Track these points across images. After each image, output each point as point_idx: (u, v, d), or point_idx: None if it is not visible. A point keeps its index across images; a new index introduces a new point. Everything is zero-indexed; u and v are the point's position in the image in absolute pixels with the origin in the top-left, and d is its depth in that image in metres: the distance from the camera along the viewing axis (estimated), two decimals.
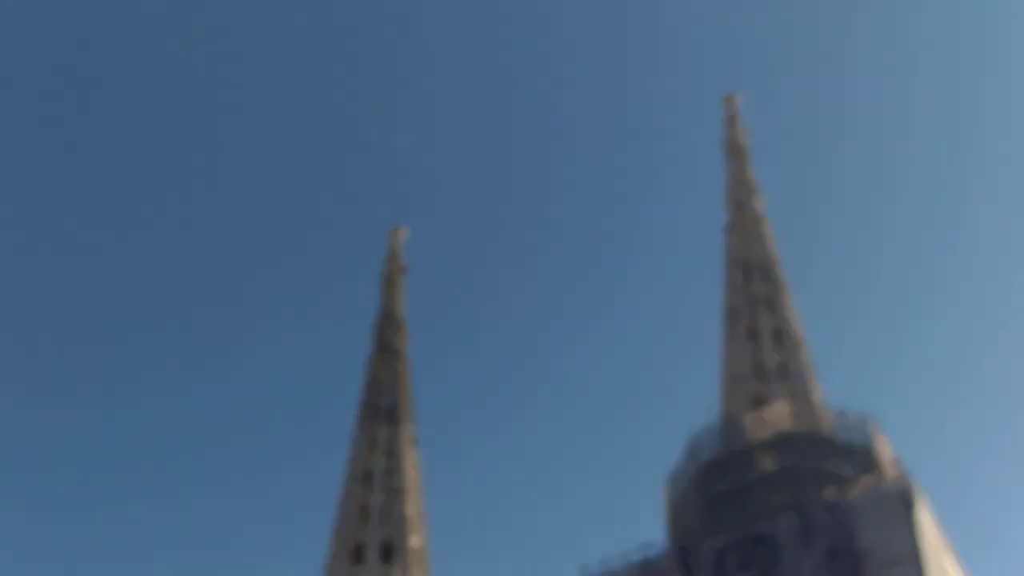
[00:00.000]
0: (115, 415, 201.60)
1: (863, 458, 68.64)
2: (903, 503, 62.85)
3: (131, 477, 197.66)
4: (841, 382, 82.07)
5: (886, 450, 68.63)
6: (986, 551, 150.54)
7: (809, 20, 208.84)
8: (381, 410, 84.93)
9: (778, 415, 71.76)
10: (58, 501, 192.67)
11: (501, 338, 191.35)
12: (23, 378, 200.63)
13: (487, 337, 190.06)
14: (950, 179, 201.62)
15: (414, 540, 79.60)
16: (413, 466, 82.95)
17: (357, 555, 78.78)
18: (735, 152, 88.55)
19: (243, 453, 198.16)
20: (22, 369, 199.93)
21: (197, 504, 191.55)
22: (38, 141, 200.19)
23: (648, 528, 71.30)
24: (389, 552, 78.61)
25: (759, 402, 75.25)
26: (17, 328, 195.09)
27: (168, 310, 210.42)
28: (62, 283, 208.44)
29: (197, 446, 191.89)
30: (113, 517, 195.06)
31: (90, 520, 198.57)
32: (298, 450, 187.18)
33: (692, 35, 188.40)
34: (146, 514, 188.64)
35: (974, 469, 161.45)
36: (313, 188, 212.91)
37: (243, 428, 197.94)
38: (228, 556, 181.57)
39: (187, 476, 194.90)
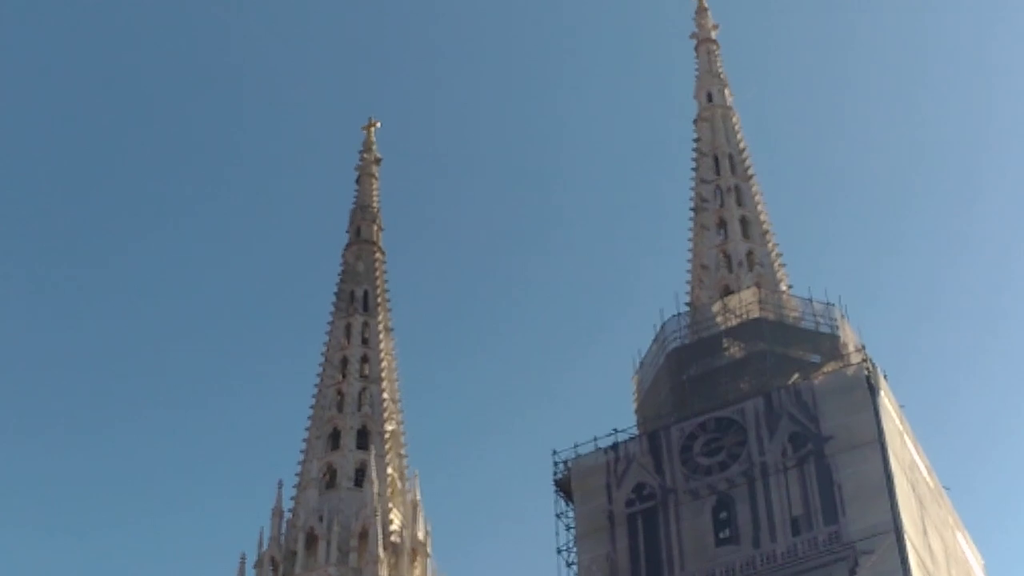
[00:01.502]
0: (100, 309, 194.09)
1: (828, 345, 69.17)
2: (866, 388, 63.78)
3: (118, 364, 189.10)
4: (808, 271, 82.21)
5: (850, 337, 68.83)
6: (944, 431, 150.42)
7: None
8: (356, 299, 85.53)
9: (745, 303, 72.20)
10: None
11: (473, 228, 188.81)
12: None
13: (461, 228, 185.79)
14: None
15: (389, 425, 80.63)
16: (388, 353, 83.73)
17: (334, 440, 79.67)
18: (704, 44, 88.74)
19: (223, 342, 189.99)
20: None
21: (178, 386, 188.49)
22: None
23: (620, 415, 72.03)
24: (365, 436, 79.42)
25: (727, 291, 75.03)
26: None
27: (149, 199, 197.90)
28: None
29: (178, 331, 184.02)
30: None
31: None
32: (275, 338, 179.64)
33: None
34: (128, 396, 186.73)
35: (937, 354, 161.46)
36: (288, 81, 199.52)
37: (223, 316, 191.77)
38: (210, 443, 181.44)
39: (170, 358, 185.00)
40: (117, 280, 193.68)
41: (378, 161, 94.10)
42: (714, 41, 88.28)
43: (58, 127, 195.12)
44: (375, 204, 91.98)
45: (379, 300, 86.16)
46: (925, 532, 63.22)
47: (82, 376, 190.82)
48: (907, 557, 58.82)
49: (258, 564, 74.69)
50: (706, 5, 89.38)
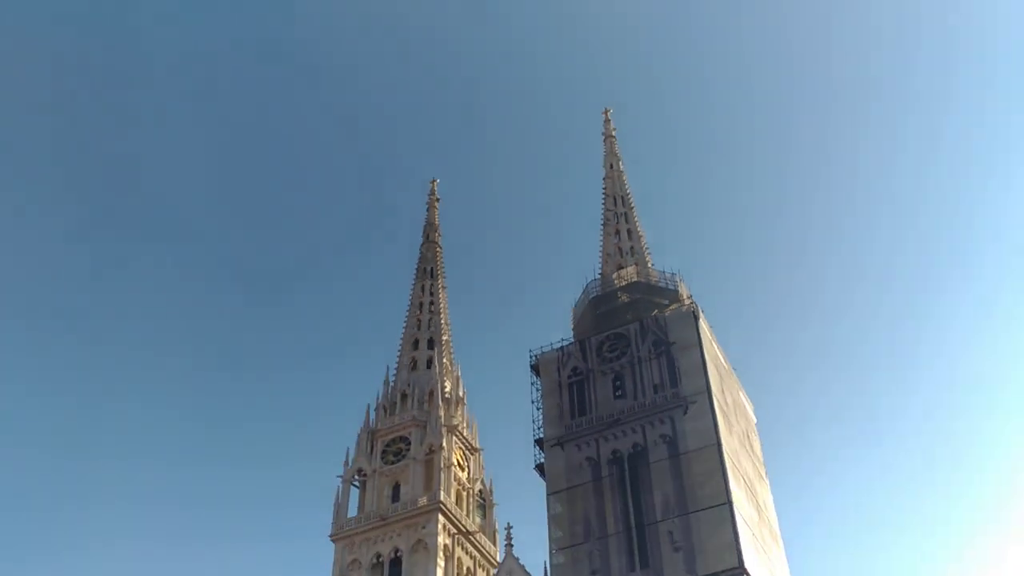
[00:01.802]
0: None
1: (672, 294, 69.75)
2: (692, 317, 65.17)
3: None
4: (663, 258, 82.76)
5: (684, 291, 70.09)
6: (735, 337, 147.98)
7: None
8: (427, 271, 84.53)
9: (629, 273, 73.07)
10: None
11: (480, 221, 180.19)
12: None
13: (482, 234, 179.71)
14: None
15: (444, 336, 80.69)
16: (444, 301, 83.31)
17: (416, 344, 79.45)
18: (608, 139, 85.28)
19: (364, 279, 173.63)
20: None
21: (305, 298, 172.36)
22: None
23: (564, 332, 71.75)
24: (432, 343, 79.38)
25: (620, 267, 74.78)
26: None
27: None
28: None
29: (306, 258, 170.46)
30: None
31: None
32: (380, 292, 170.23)
33: None
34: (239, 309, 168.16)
35: (731, 296, 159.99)
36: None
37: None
38: (350, 333, 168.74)
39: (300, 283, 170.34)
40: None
41: (438, 200, 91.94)
42: (613, 136, 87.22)
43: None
44: (436, 220, 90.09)
45: (439, 272, 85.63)
46: (724, 392, 64.70)
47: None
48: (714, 405, 60.91)
49: (377, 409, 75.09)
50: (609, 117, 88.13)
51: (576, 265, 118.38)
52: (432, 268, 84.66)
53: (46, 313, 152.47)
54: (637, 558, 56.01)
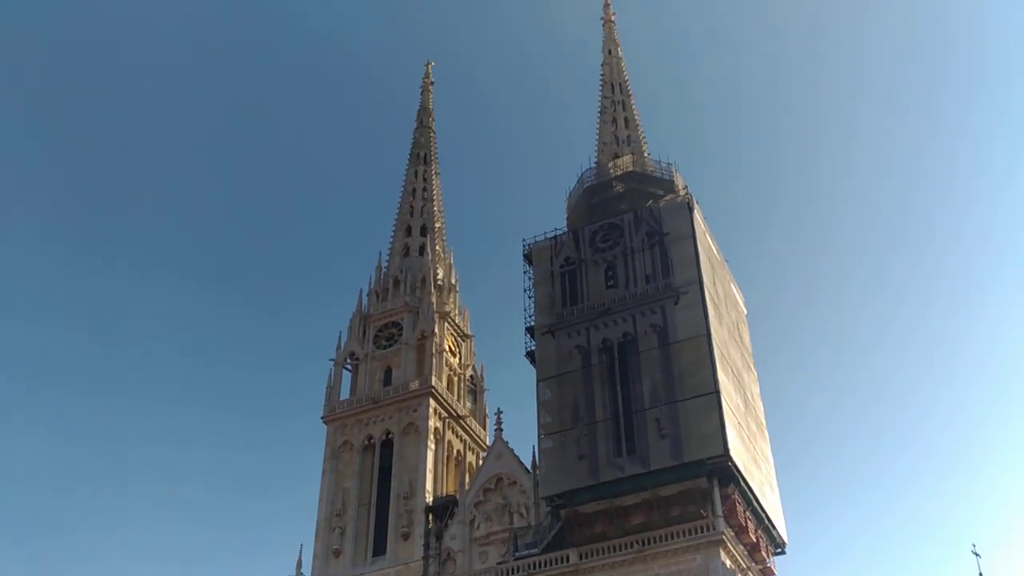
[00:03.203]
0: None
1: (667, 185, 69.15)
2: (687, 208, 64.83)
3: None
4: (659, 147, 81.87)
5: (680, 181, 69.45)
6: (728, 228, 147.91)
7: None
8: (420, 157, 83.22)
9: (625, 163, 72.38)
10: None
11: (485, 123, 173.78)
12: None
13: (483, 122, 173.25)
14: None
15: (437, 223, 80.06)
16: (437, 187, 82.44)
17: (408, 231, 78.91)
18: (607, 24, 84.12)
19: (350, 174, 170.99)
20: None
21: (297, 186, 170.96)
22: None
23: (558, 222, 71.24)
24: (425, 230, 78.84)
25: (616, 156, 74.03)
26: None
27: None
28: None
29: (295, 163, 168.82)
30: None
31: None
32: (382, 174, 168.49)
33: None
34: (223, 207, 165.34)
35: (726, 190, 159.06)
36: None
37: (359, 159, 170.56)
38: (343, 222, 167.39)
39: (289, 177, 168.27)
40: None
41: (432, 84, 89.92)
42: (612, 21, 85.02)
43: None
44: (431, 105, 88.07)
45: (432, 158, 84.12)
46: (715, 283, 64.96)
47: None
48: (704, 295, 61.14)
49: (370, 294, 75.19)
50: (608, 1, 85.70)
51: (572, 154, 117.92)
52: (426, 154, 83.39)
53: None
54: (624, 444, 57.17)
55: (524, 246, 67.53)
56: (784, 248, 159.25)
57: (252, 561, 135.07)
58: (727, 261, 69.78)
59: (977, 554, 41.84)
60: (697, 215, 64.92)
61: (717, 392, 55.97)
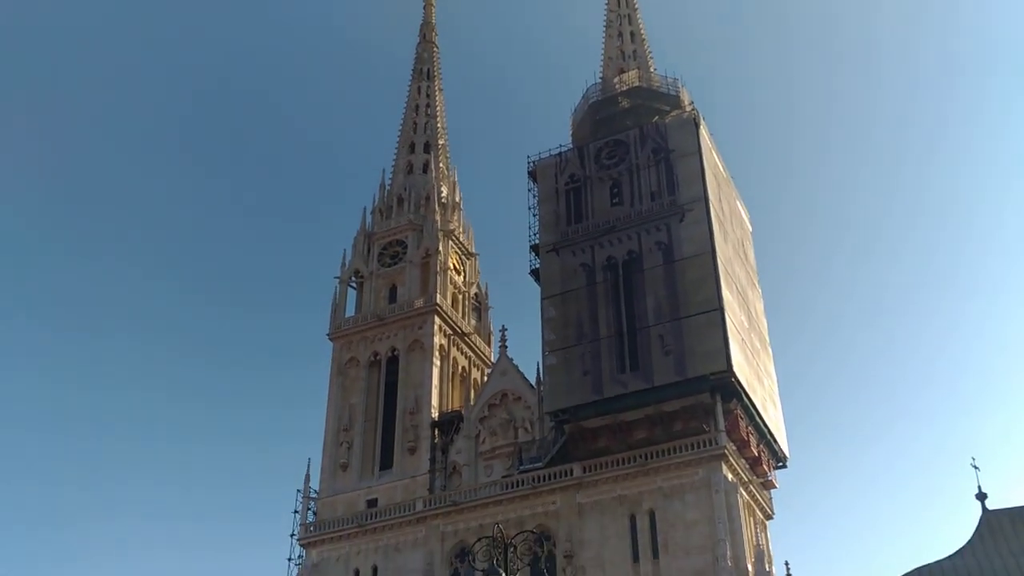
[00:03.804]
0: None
1: (673, 101, 68.85)
2: (693, 124, 64.47)
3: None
4: (665, 62, 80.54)
5: (686, 96, 69.14)
6: (736, 145, 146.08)
7: None
8: (423, 72, 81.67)
9: (631, 78, 71.70)
10: None
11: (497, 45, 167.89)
12: None
13: (492, 39, 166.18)
14: None
15: (441, 140, 79.03)
16: (440, 103, 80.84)
17: (412, 148, 77.78)
18: None
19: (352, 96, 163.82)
20: None
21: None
22: None
23: (563, 139, 70.99)
24: (428, 147, 77.76)
25: (622, 71, 73.14)
26: None
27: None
28: None
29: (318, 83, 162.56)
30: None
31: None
32: (383, 90, 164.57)
33: None
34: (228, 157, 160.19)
35: (733, 104, 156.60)
36: None
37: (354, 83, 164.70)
38: (344, 140, 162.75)
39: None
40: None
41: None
42: None
43: None
44: (433, 19, 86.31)
45: (436, 74, 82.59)
46: (721, 200, 64.97)
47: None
48: (710, 212, 61.31)
49: (374, 212, 74.98)
50: None
51: (577, 69, 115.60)
52: (429, 69, 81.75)
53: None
54: (628, 361, 57.99)
55: (529, 163, 67.46)
56: (789, 164, 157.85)
57: (261, 476, 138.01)
58: (732, 178, 69.77)
59: (976, 467, 42.43)
60: (703, 131, 64.56)
61: (721, 309, 56.44)
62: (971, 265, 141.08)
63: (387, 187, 76.17)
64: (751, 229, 71.40)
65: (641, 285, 59.54)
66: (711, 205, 60.72)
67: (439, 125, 79.51)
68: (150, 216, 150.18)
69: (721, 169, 67.05)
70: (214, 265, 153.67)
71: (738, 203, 69.38)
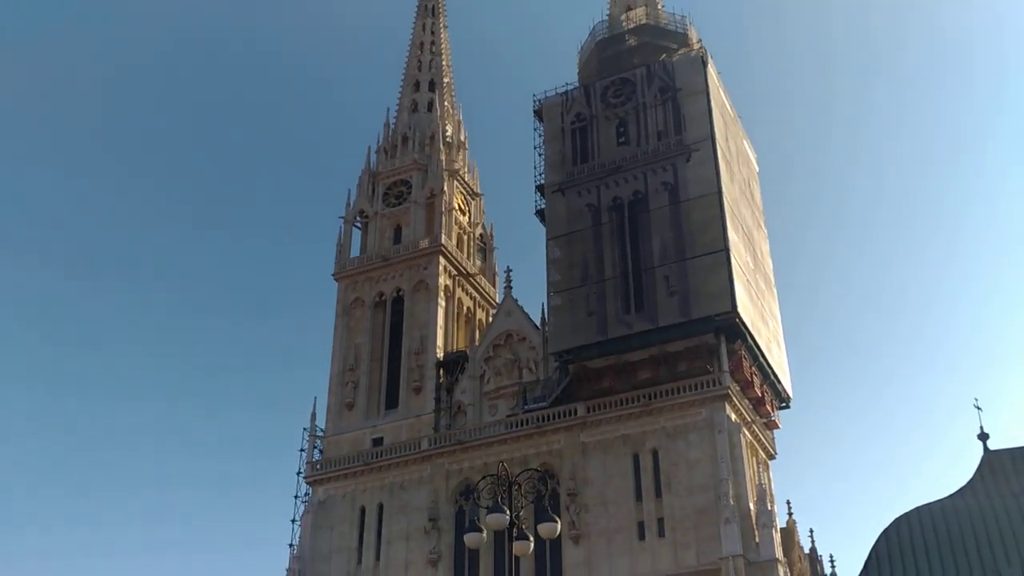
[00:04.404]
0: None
1: (681, 39, 67.90)
2: (700, 62, 63.64)
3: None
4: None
5: (694, 35, 68.02)
6: (742, 86, 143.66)
7: None
8: (428, 9, 79.94)
9: (638, 15, 70.61)
10: None
11: None
12: None
13: None
14: None
15: (446, 78, 77.92)
16: (445, 40, 79.32)
17: (417, 85, 76.63)
18: None
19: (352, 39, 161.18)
20: None
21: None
22: None
23: (569, 77, 70.38)
24: (433, 85, 76.63)
25: (629, 9, 71.72)
26: None
27: None
28: None
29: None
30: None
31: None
32: (380, 32, 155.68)
33: None
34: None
35: (742, 44, 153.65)
36: None
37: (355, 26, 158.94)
38: (334, 79, 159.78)
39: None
40: None
41: None
42: None
43: None
44: None
45: (440, 11, 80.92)
46: (727, 140, 64.53)
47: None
48: (716, 152, 60.99)
49: (378, 151, 74.36)
50: None
51: (584, 7, 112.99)
52: (434, 6, 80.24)
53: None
54: (632, 301, 58.17)
55: (534, 102, 66.90)
56: (797, 103, 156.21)
57: (267, 414, 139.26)
58: (740, 117, 69.13)
59: (979, 408, 42.67)
60: (711, 70, 63.86)
61: (727, 250, 56.37)
62: (982, 205, 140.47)
63: (391, 126, 75.34)
64: (758, 169, 71.01)
65: (647, 226, 59.42)
66: (718, 145, 60.26)
67: (444, 63, 78.46)
68: (153, 152, 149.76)
69: (728, 108, 66.48)
70: (220, 204, 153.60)
71: (745, 143, 68.91)
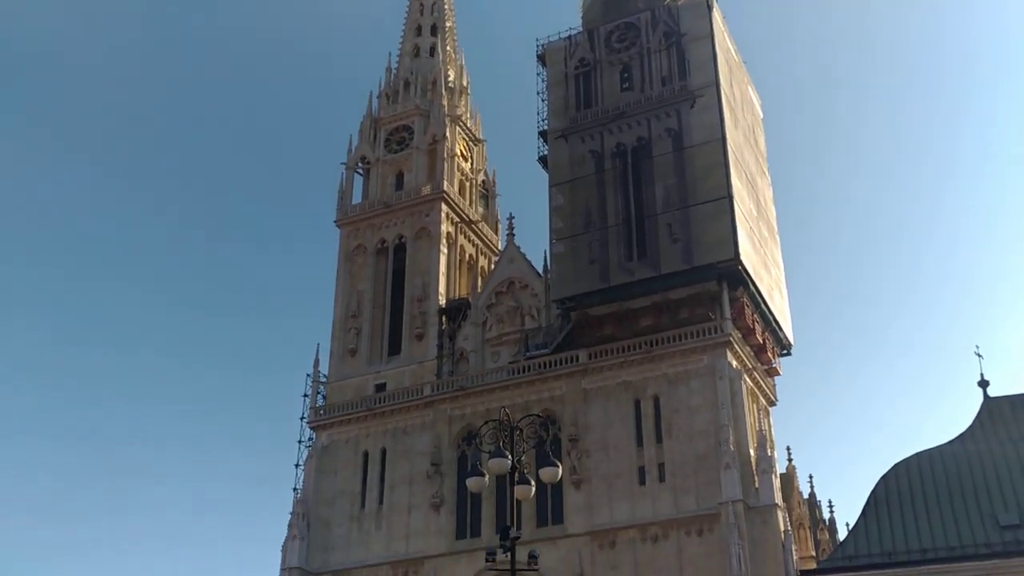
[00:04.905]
0: None
1: None
2: (706, 6, 62.73)
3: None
4: None
5: None
6: (748, 28, 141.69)
7: None
8: None
9: None
10: None
11: None
12: None
13: None
14: None
15: (448, 23, 76.57)
16: None
17: (419, 30, 75.45)
18: None
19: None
20: None
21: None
22: None
23: (572, 23, 69.46)
24: (435, 29, 75.28)
25: None
26: None
27: None
28: None
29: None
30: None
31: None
32: None
33: None
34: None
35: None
36: None
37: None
38: (334, 23, 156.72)
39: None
40: None
41: None
42: None
43: None
44: None
45: None
46: (732, 85, 64.06)
47: None
48: (721, 98, 60.63)
49: (380, 97, 73.57)
50: None
51: None
52: None
53: None
54: (635, 249, 58.16)
55: (537, 47, 66.22)
56: (802, 49, 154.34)
57: (271, 360, 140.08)
58: (744, 63, 68.39)
59: (980, 355, 42.77)
60: (716, 15, 63.22)
61: (730, 197, 56.22)
62: (980, 152, 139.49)
63: (393, 71, 74.57)
64: (762, 116, 70.46)
65: (650, 172, 59.15)
66: (722, 91, 59.74)
67: (446, 7, 77.21)
68: (154, 112, 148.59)
69: (733, 54, 65.79)
70: (222, 151, 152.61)
71: (749, 88, 68.29)
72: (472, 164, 73.25)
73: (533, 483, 20.09)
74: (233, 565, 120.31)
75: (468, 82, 75.24)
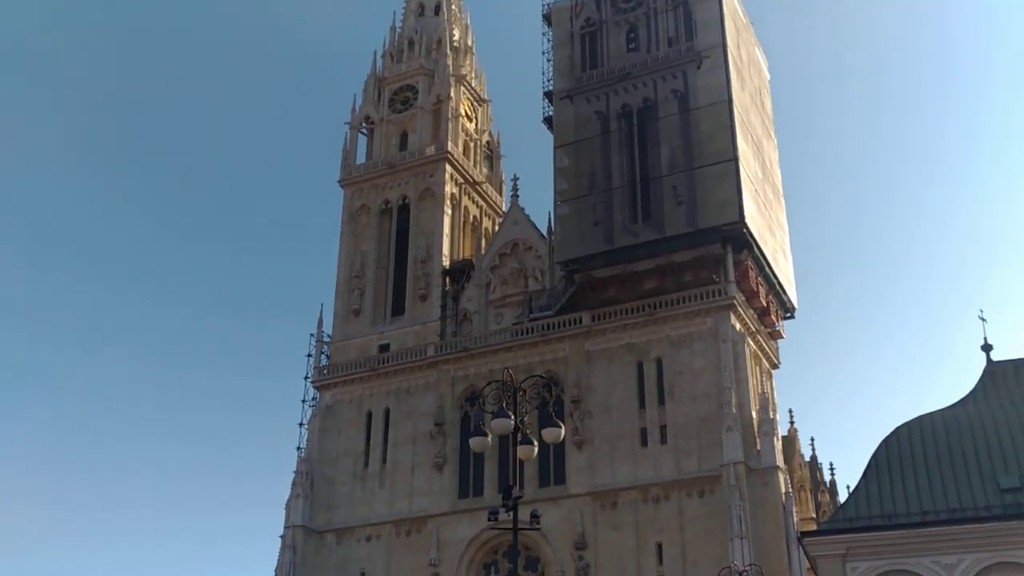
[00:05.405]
0: None
1: None
2: None
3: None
4: None
5: None
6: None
7: None
8: None
9: None
10: None
11: None
12: None
13: None
14: None
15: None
16: None
17: None
18: None
19: None
20: None
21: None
22: None
23: None
24: (439, 6, 74.44)
25: None
26: None
27: None
28: None
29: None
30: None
31: None
32: None
33: None
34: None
35: None
36: None
37: None
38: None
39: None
40: None
41: None
42: None
43: None
44: None
45: None
46: (739, 47, 63.48)
47: None
48: (728, 60, 60.16)
49: (384, 56, 73.00)
50: None
51: None
52: None
53: None
54: (640, 211, 58.11)
55: (543, 6, 65.79)
56: (809, 9, 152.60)
57: (275, 321, 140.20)
58: (752, 24, 67.72)
59: (984, 319, 42.57)
60: None
61: (735, 159, 56.02)
62: (989, 116, 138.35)
63: (398, 30, 73.89)
64: (768, 78, 69.86)
65: (655, 134, 58.90)
66: (729, 52, 59.31)
67: None
68: (153, 87, 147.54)
69: (741, 15, 65.21)
70: (225, 111, 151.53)
71: (757, 51, 67.72)
72: (477, 124, 72.77)
73: (536, 443, 20.12)
74: (237, 525, 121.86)
75: (473, 41, 74.51)
